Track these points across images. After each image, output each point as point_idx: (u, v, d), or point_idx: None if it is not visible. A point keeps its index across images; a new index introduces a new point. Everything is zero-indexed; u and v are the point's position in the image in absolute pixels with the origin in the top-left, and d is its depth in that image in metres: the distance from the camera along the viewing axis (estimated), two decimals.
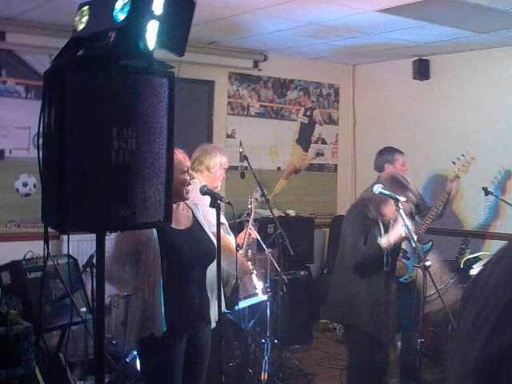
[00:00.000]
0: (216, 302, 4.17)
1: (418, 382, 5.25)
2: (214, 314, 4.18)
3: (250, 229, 5.62)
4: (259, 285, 5.59)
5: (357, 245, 4.93)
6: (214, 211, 4.04)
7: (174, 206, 4.04)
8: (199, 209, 4.24)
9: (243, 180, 7.38)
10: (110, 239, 3.71)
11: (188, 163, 4.07)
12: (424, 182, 7.90)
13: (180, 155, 3.96)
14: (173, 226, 3.95)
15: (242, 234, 5.54)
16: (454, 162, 6.44)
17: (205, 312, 4.14)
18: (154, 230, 3.86)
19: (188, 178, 4.00)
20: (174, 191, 3.81)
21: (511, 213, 7.03)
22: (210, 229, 4.32)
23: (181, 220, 4.08)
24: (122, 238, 3.94)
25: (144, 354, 4.09)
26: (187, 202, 4.19)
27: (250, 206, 5.90)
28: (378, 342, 4.94)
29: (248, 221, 5.84)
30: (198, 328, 4.14)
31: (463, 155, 6.43)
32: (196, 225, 4.16)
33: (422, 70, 8.19)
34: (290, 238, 6.37)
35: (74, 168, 2.34)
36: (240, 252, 5.28)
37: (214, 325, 4.22)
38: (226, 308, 4.60)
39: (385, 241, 4.93)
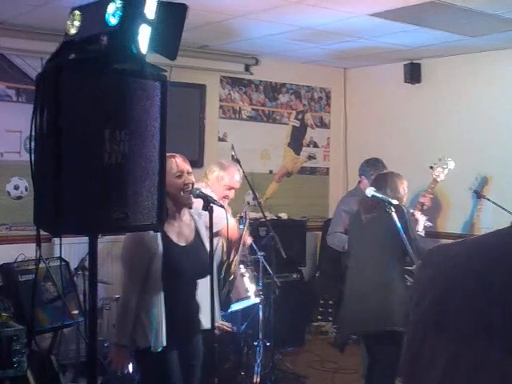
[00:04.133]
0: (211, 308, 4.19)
1: None
2: (205, 321, 4.14)
3: (246, 235, 5.56)
4: (251, 288, 5.59)
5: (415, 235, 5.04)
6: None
7: (178, 215, 4.04)
8: (201, 219, 4.20)
9: None
10: (102, 242, 3.74)
11: (184, 167, 3.99)
12: (415, 184, 7.91)
13: (173, 159, 3.94)
14: (175, 240, 3.96)
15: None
16: (431, 167, 6.37)
17: (195, 325, 4.11)
18: (160, 244, 3.84)
19: (185, 182, 3.95)
20: (172, 196, 3.84)
21: (489, 215, 7.07)
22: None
23: (184, 233, 4.05)
24: (133, 256, 3.92)
25: (141, 365, 4.08)
26: (192, 211, 4.15)
27: (244, 212, 5.87)
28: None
29: (240, 223, 5.84)
30: (188, 342, 4.11)
31: (440, 160, 6.35)
32: (197, 239, 4.12)
33: (413, 73, 8.21)
34: (282, 241, 6.37)
35: (67, 171, 2.35)
36: (236, 257, 5.30)
37: (208, 326, 4.17)
38: (221, 309, 4.60)
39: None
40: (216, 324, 4.17)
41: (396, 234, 4.84)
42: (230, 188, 5.41)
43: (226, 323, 4.22)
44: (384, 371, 5.27)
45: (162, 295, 3.86)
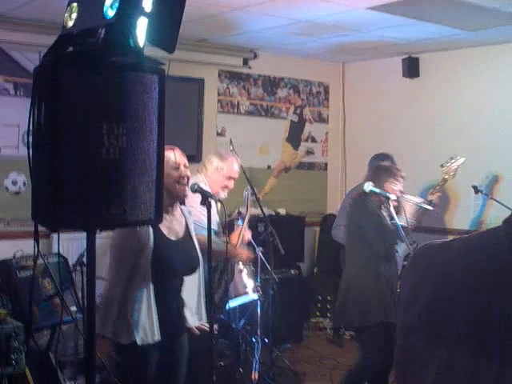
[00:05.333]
0: (200, 306, 4.19)
1: None
2: (193, 320, 4.13)
3: (245, 230, 5.52)
4: (250, 283, 5.58)
5: (384, 230, 4.98)
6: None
7: (170, 209, 4.01)
8: (191, 216, 4.21)
9: None
10: (100, 238, 3.71)
11: (181, 160, 3.97)
12: (414, 179, 7.90)
13: (172, 151, 3.92)
14: (166, 234, 3.92)
15: (235, 234, 5.49)
16: (442, 165, 6.27)
17: (181, 322, 4.08)
18: (151, 237, 3.80)
19: (181, 174, 3.93)
20: (167, 188, 3.80)
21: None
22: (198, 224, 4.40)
23: (174, 228, 4.01)
24: (122, 246, 3.87)
25: (120, 358, 3.99)
26: (183, 208, 4.15)
27: (245, 205, 5.83)
28: (390, 340, 4.85)
29: (238, 219, 5.81)
30: (173, 339, 4.05)
31: (452, 158, 6.26)
32: (187, 235, 4.09)
33: (411, 68, 8.20)
34: (280, 236, 6.35)
35: (65, 165, 2.33)
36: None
37: (194, 324, 4.16)
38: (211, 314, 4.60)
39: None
40: (197, 324, 4.15)
41: (364, 228, 5.05)
42: (230, 178, 5.41)
43: (206, 324, 4.18)
44: (354, 371, 5.31)
45: (150, 290, 3.81)
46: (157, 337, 3.81)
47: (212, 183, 5.33)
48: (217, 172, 5.38)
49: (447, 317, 1.16)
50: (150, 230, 3.79)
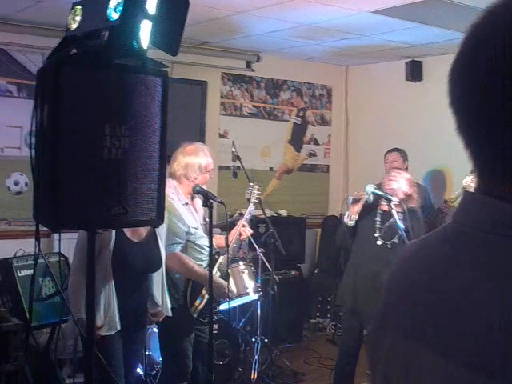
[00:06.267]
0: (164, 297, 4.37)
1: None
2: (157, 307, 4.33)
3: (244, 226, 5.28)
4: (250, 284, 5.58)
5: None
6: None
7: None
8: None
9: (235, 180, 7.37)
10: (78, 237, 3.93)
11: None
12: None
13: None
14: (129, 235, 4.09)
15: (233, 231, 5.29)
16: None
17: (144, 313, 4.29)
18: (113, 239, 3.95)
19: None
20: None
21: None
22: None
23: (138, 230, 4.12)
24: (84, 246, 3.96)
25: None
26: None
27: (249, 201, 5.58)
28: None
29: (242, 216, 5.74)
30: (136, 328, 4.28)
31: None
32: (151, 237, 4.21)
33: (414, 71, 8.20)
34: (281, 237, 6.36)
35: (66, 166, 2.35)
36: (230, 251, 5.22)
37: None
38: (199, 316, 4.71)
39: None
40: (159, 310, 4.36)
41: None
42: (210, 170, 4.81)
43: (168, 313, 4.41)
44: None
45: (109, 284, 3.96)
46: (118, 326, 4.00)
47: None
48: (200, 171, 4.90)
49: (447, 317, 1.17)
50: (113, 232, 3.94)
